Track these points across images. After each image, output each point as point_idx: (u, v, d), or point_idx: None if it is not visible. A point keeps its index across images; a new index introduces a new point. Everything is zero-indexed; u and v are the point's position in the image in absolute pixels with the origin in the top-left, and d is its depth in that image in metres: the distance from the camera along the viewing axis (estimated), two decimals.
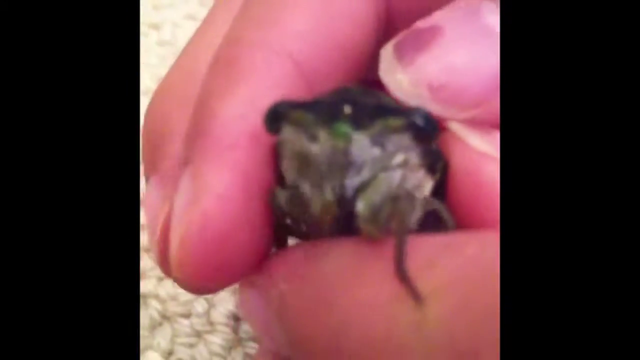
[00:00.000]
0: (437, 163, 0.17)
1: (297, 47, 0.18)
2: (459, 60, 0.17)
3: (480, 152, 0.17)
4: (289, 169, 0.17)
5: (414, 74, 0.17)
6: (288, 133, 0.16)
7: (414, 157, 0.16)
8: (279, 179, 0.17)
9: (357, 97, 0.16)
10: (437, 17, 0.18)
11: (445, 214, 0.17)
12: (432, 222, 0.17)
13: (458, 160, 0.17)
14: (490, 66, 0.17)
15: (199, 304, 0.26)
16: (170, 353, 0.26)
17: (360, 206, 0.15)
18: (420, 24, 0.18)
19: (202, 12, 0.33)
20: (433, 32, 0.17)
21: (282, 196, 0.16)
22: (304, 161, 0.16)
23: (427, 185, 0.17)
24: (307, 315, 0.16)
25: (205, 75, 0.18)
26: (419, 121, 0.16)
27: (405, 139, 0.16)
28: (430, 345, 0.14)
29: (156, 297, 0.26)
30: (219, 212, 0.16)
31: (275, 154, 0.17)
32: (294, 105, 0.16)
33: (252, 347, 0.25)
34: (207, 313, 0.26)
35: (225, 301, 0.26)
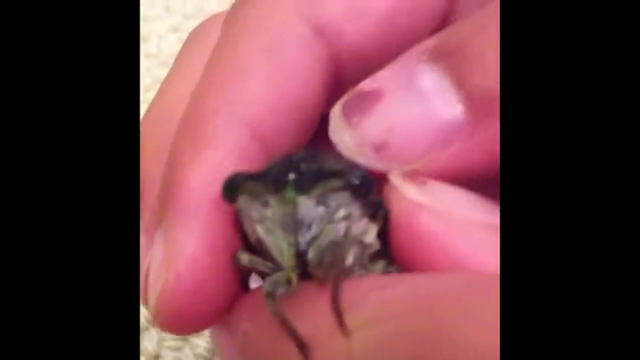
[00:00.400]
0: (378, 212, 0.19)
1: (252, 112, 0.20)
2: (397, 122, 0.19)
3: (415, 202, 0.18)
4: (249, 231, 0.19)
5: (358, 134, 0.19)
6: (244, 201, 0.18)
7: (355, 210, 0.18)
8: (243, 238, 0.19)
9: (300, 164, 0.18)
10: (379, 80, 0.19)
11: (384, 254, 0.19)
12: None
13: (396, 209, 0.18)
14: (424, 126, 0.19)
15: None
16: (157, 356, 0.26)
17: (310, 255, 0.18)
18: (364, 86, 0.19)
19: (187, 25, 0.34)
20: (375, 95, 0.19)
21: (244, 258, 0.19)
22: (262, 225, 0.18)
23: (372, 232, 0.19)
24: (265, 350, 0.18)
25: (174, 136, 0.20)
26: (355, 181, 0.18)
27: (345, 196, 0.18)
28: None
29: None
30: (189, 273, 0.18)
31: (236, 217, 0.19)
32: (246, 176, 0.18)
33: None
34: None
35: None
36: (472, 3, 0.21)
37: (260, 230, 0.18)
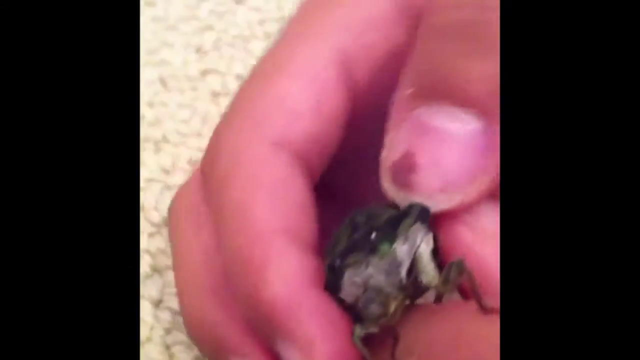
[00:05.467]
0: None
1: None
2: (435, 169, 0.22)
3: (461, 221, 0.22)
4: (349, 299, 0.22)
5: (410, 194, 0.22)
6: (348, 275, 0.21)
7: (425, 234, 0.21)
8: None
9: (369, 223, 0.21)
10: (395, 145, 0.22)
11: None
12: None
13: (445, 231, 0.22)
14: (458, 158, 0.21)
15: None
16: (159, 302, 0.28)
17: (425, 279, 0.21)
18: (392, 156, 0.22)
19: None
20: (407, 159, 0.22)
21: (359, 330, 0.21)
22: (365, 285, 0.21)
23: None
24: None
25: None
26: (419, 211, 0.21)
27: (417, 228, 0.21)
28: None
29: (147, 251, 0.28)
30: None
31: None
32: (341, 257, 0.21)
33: None
34: None
35: None
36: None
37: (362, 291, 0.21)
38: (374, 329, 0.21)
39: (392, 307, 0.21)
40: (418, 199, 0.21)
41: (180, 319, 0.28)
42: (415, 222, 0.21)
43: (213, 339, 0.24)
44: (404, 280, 0.21)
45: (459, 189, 0.21)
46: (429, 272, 0.21)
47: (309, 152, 0.24)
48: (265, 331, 0.22)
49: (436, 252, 0.22)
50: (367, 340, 0.21)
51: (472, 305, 0.20)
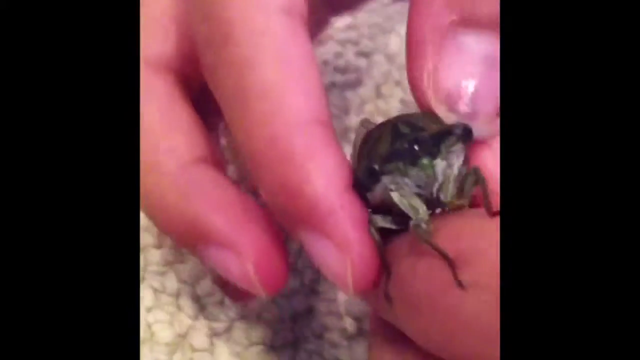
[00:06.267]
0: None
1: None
2: (471, 86, 0.23)
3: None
4: (380, 203, 0.22)
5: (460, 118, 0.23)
6: (384, 181, 0.22)
7: (461, 154, 0.23)
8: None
9: (412, 135, 0.22)
10: (455, 72, 0.22)
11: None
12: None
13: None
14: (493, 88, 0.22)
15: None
16: (142, 279, 0.28)
17: (442, 198, 0.22)
18: (446, 83, 0.22)
19: None
20: (464, 91, 0.23)
21: (378, 220, 0.22)
22: (399, 192, 0.22)
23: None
24: (423, 275, 0.21)
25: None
26: (462, 131, 0.22)
27: (459, 147, 0.22)
28: None
29: None
30: (367, 253, 0.22)
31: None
32: (386, 160, 0.22)
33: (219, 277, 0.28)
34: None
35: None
36: None
37: (395, 197, 0.22)
38: (391, 226, 0.22)
39: (429, 223, 0.21)
40: (472, 124, 0.22)
41: (162, 297, 0.28)
42: (457, 141, 0.22)
43: (190, 229, 0.23)
44: (434, 195, 0.22)
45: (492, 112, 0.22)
46: (449, 190, 0.22)
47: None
48: (293, 221, 0.22)
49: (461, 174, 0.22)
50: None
51: (478, 210, 0.21)
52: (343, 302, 0.29)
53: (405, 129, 0.23)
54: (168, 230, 0.24)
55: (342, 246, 0.21)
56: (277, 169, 0.21)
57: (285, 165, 0.21)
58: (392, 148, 0.22)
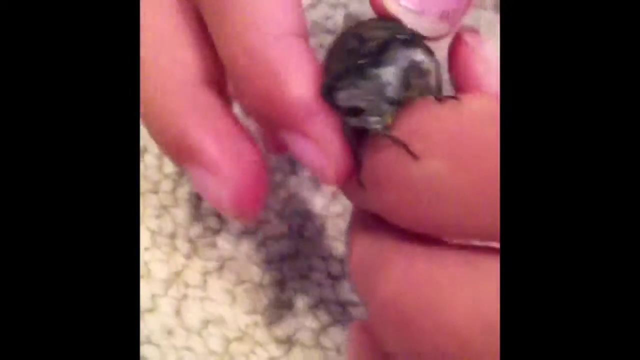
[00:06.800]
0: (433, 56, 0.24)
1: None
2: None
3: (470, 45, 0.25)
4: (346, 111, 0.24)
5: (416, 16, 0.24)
6: (341, 95, 0.23)
7: (417, 56, 0.24)
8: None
9: (360, 49, 0.23)
10: None
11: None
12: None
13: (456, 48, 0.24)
14: None
15: (166, 183, 0.31)
16: (140, 222, 0.30)
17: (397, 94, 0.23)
18: None
19: None
20: None
21: (350, 120, 0.24)
22: (360, 100, 0.24)
23: (432, 69, 0.24)
24: (389, 163, 0.22)
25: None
26: (404, 37, 0.23)
27: (403, 52, 0.23)
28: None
29: None
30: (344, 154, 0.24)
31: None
32: (337, 78, 0.23)
33: (211, 222, 0.31)
34: (173, 191, 0.31)
35: (190, 182, 0.31)
36: None
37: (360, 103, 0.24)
38: (360, 125, 0.23)
39: (387, 119, 0.23)
40: (425, 22, 0.24)
41: (158, 238, 0.30)
42: (401, 47, 0.23)
43: (179, 146, 0.24)
44: (396, 97, 0.23)
45: (460, 14, 0.24)
46: (397, 88, 0.23)
47: None
48: (274, 126, 0.23)
49: (437, 69, 0.24)
50: None
51: (428, 98, 0.22)
52: (327, 245, 0.31)
53: (353, 43, 0.24)
54: (160, 142, 0.25)
55: (322, 144, 0.23)
56: (255, 78, 0.23)
57: (261, 74, 0.23)
58: (342, 65, 0.24)
